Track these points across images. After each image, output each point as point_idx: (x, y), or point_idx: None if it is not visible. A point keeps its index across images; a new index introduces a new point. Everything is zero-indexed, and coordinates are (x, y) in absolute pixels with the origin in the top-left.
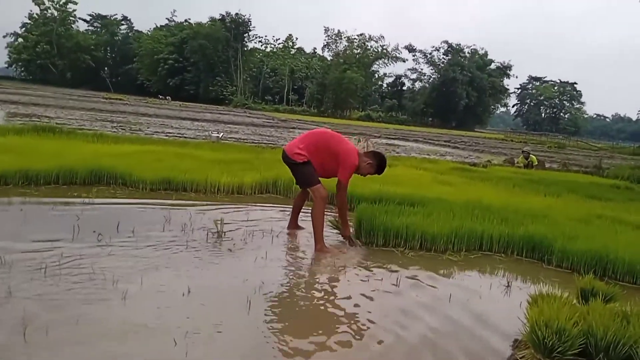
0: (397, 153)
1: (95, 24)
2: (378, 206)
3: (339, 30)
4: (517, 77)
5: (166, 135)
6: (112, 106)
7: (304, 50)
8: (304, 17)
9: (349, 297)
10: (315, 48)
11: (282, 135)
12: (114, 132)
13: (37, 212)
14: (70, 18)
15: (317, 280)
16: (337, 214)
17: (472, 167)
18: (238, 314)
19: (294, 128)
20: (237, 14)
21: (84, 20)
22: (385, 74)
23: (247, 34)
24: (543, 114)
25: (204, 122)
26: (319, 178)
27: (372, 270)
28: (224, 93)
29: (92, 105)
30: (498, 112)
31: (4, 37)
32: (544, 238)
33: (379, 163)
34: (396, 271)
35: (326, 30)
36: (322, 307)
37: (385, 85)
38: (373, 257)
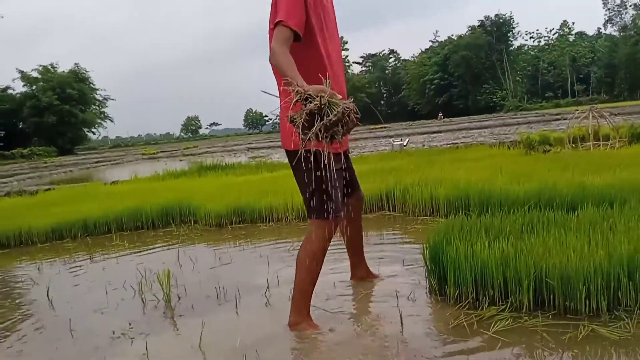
0: None
1: (367, 64)
2: (471, 219)
3: (621, 0)
4: None
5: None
6: (365, 134)
7: (585, 34)
8: None
9: None
10: (599, 28)
11: (530, 129)
12: None
13: None
14: (345, 64)
15: None
16: None
17: None
18: None
19: (556, 120)
20: (496, 15)
21: (357, 63)
22: None
23: (510, 33)
24: None
25: (445, 133)
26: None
27: None
28: (494, 100)
29: None
30: None
31: None
32: None
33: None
34: None
35: (605, 3)
36: None
37: None
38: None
